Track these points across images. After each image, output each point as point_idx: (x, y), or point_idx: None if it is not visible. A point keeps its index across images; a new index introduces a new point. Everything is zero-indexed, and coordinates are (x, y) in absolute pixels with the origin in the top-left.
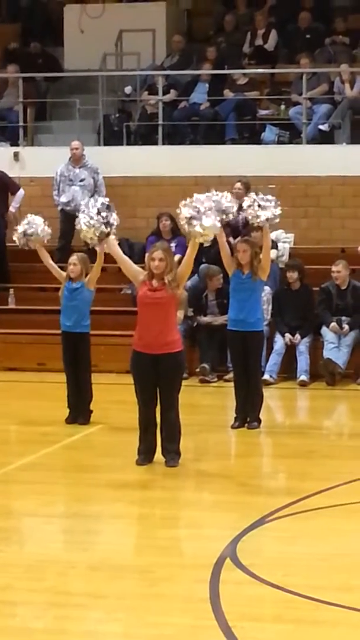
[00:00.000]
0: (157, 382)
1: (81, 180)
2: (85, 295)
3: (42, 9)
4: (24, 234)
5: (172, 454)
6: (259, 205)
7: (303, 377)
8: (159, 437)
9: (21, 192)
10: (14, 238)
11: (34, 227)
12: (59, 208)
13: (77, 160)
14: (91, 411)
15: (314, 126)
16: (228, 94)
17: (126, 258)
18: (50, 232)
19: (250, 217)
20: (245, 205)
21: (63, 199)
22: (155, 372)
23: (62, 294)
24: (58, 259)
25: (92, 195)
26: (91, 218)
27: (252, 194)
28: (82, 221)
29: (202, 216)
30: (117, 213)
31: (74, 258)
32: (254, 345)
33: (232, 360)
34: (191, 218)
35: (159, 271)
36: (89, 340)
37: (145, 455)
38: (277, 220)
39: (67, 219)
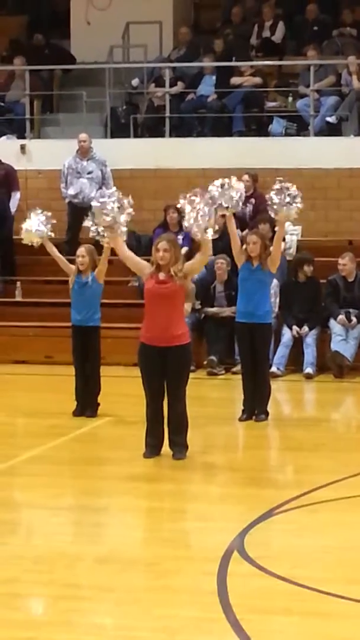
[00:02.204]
0: (165, 374)
1: (89, 173)
2: (95, 289)
3: (48, 1)
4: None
5: (180, 447)
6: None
7: (308, 370)
8: (167, 429)
9: (17, 195)
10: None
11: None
12: (67, 200)
13: (84, 152)
14: (99, 404)
15: (322, 118)
16: (236, 80)
17: (130, 253)
18: (49, 222)
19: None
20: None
21: (71, 191)
22: (162, 365)
23: (72, 287)
24: (66, 252)
25: (99, 188)
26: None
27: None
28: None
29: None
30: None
31: (81, 250)
32: (262, 337)
33: (240, 353)
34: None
35: (164, 262)
36: (99, 334)
37: (152, 448)
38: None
39: (75, 211)
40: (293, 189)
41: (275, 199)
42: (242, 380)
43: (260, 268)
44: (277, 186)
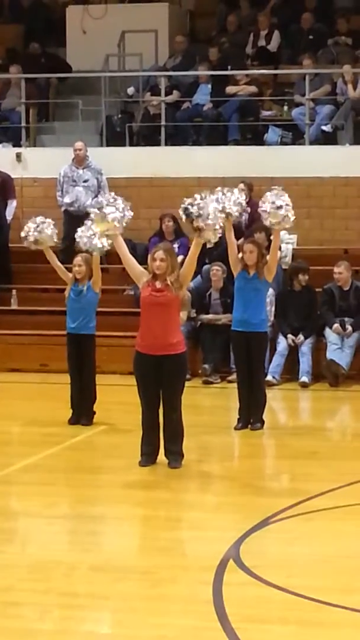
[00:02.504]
0: (160, 383)
1: (85, 181)
2: (91, 297)
3: (44, 10)
4: (34, 239)
5: (175, 455)
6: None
7: (304, 379)
8: (162, 438)
9: (14, 203)
10: (22, 236)
11: (41, 229)
12: (63, 209)
13: (80, 161)
14: (94, 412)
15: (317, 127)
16: (231, 89)
17: (131, 257)
18: (56, 231)
19: (265, 218)
20: (261, 204)
21: (66, 199)
22: (158, 374)
23: (68, 295)
24: (62, 260)
25: (95, 196)
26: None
27: (269, 194)
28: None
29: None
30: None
31: (78, 259)
32: (257, 346)
33: (236, 361)
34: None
35: (160, 271)
36: (94, 342)
37: (148, 457)
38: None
39: (71, 219)
40: (282, 196)
41: (266, 206)
42: (237, 389)
43: (257, 277)
44: (266, 195)
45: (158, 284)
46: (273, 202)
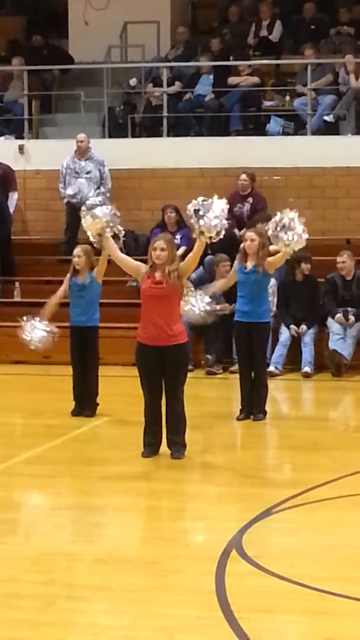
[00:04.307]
0: (163, 374)
1: (87, 173)
2: (94, 288)
3: (46, 2)
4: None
5: (178, 446)
6: (283, 227)
7: (306, 369)
8: (165, 429)
9: (15, 195)
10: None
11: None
12: (65, 201)
13: (82, 152)
14: (97, 404)
15: (319, 117)
16: (234, 80)
17: (124, 256)
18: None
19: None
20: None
21: (69, 191)
22: (160, 365)
23: (69, 288)
24: (64, 252)
25: (97, 188)
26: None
27: (278, 216)
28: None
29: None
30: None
31: (78, 250)
32: (259, 337)
33: (238, 352)
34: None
35: (160, 261)
36: (98, 334)
37: (150, 448)
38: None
39: (73, 211)
40: (290, 221)
41: (281, 235)
42: (239, 380)
43: (256, 270)
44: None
45: (158, 276)
46: (278, 225)
